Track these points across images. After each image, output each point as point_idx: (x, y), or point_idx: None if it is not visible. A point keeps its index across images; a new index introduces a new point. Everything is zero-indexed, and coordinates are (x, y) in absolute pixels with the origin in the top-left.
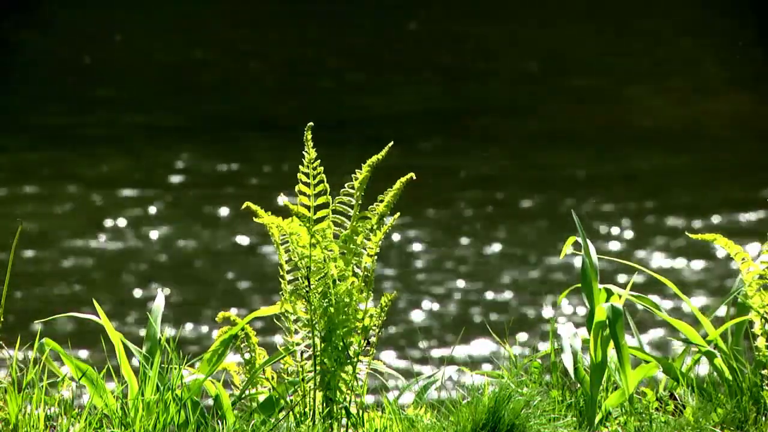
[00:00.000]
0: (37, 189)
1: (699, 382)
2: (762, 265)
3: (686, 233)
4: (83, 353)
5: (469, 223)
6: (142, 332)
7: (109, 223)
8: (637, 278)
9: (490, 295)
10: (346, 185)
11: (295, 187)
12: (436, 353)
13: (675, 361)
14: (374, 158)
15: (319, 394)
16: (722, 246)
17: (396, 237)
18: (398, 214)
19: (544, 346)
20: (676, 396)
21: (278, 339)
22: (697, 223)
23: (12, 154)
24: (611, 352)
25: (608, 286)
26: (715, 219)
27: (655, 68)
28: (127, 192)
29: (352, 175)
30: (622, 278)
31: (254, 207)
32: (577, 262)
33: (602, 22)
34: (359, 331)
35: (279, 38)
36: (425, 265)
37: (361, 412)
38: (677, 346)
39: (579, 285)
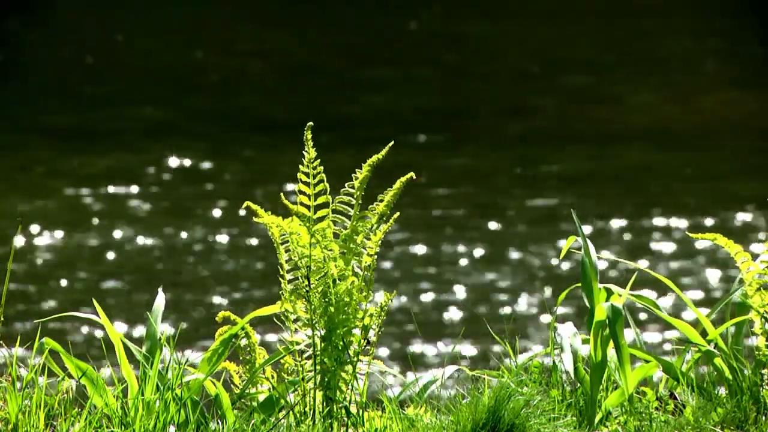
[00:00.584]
0: (37, 187)
1: (699, 382)
2: (762, 264)
3: (687, 233)
4: (82, 354)
5: (468, 222)
6: (140, 331)
7: (109, 221)
8: (635, 277)
9: (489, 294)
10: (346, 185)
11: (296, 186)
12: (436, 352)
13: (675, 360)
14: (374, 158)
15: (319, 394)
16: (722, 245)
17: (394, 236)
18: (398, 213)
19: (544, 346)
20: (676, 395)
21: (276, 337)
22: (697, 222)
23: (12, 153)
24: (611, 352)
25: (608, 286)
26: (715, 218)
27: (654, 68)
28: (128, 190)
29: (352, 175)
30: (622, 277)
31: (254, 207)
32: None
33: (602, 22)
34: (359, 331)
35: (279, 38)
36: (424, 264)
37: (361, 411)
38: (677, 346)
39: (579, 284)
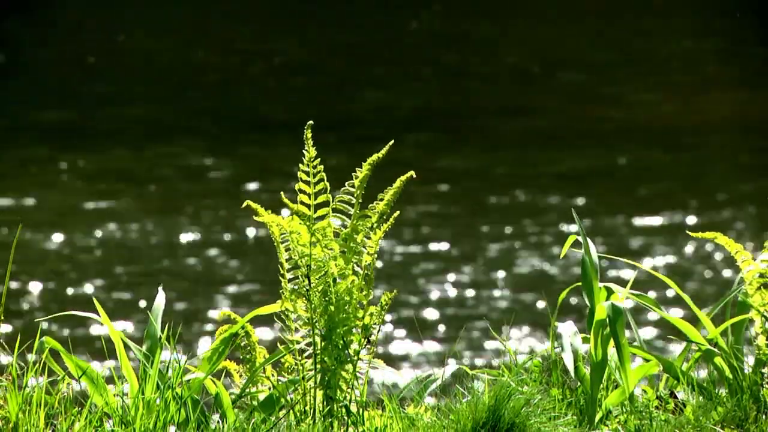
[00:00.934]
0: (37, 186)
1: (699, 381)
2: (762, 263)
3: (687, 231)
4: (83, 353)
5: (468, 221)
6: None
7: (108, 220)
8: (632, 275)
9: (489, 293)
10: (346, 184)
11: (295, 185)
12: (437, 351)
13: (675, 359)
14: (374, 157)
15: (320, 393)
16: (723, 244)
17: (393, 235)
18: (398, 212)
19: (544, 345)
20: (677, 394)
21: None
22: (697, 221)
23: (12, 152)
24: (611, 351)
25: (608, 285)
26: (714, 217)
27: (654, 68)
28: (127, 189)
29: (352, 174)
30: (622, 276)
31: (254, 205)
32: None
33: (602, 22)
34: (359, 330)
35: (279, 38)
36: (424, 264)
37: (361, 410)
38: (677, 345)
39: (579, 283)
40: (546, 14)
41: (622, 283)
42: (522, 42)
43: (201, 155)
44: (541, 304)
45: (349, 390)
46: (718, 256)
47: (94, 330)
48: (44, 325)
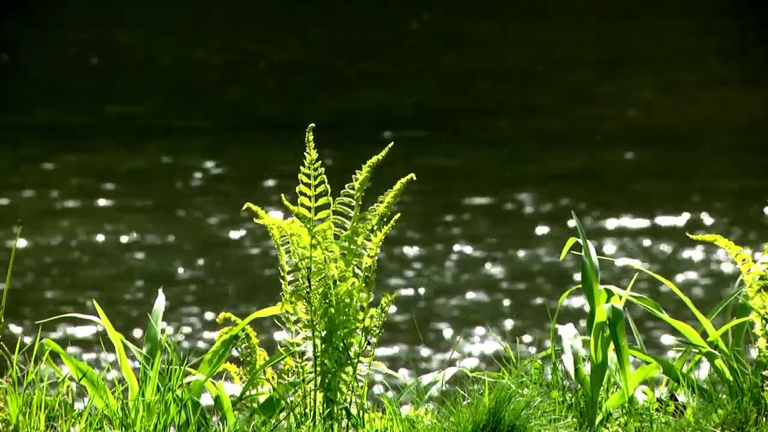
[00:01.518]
0: (35, 186)
1: (699, 383)
2: (762, 266)
3: (687, 233)
4: (83, 354)
5: (468, 221)
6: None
7: (107, 220)
8: (632, 277)
9: (490, 295)
10: (346, 186)
11: (296, 187)
12: (437, 354)
13: (675, 362)
14: (374, 158)
15: (320, 395)
16: (722, 246)
17: (392, 235)
18: (398, 214)
19: (544, 347)
20: (677, 397)
21: (279, 337)
22: (697, 222)
23: (11, 152)
24: (612, 353)
25: (609, 287)
26: (714, 217)
27: (654, 67)
28: (128, 188)
29: (352, 176)
30: (622, 277)
31: (255, 208)
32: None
33: (602, 22)
34: (360, 332)
35: (279, 37)
36: (424, 265)
37: (361, 412)
38: (677, 347)
39: (579, 285)
40: (546, 14)
41: (622, 285)
42: (522, 42)
43: (200, 155)
44: (541, 306)
45: (349, 392)
46: (717, 258)
47: (93, 332)
48: (43, 327)
